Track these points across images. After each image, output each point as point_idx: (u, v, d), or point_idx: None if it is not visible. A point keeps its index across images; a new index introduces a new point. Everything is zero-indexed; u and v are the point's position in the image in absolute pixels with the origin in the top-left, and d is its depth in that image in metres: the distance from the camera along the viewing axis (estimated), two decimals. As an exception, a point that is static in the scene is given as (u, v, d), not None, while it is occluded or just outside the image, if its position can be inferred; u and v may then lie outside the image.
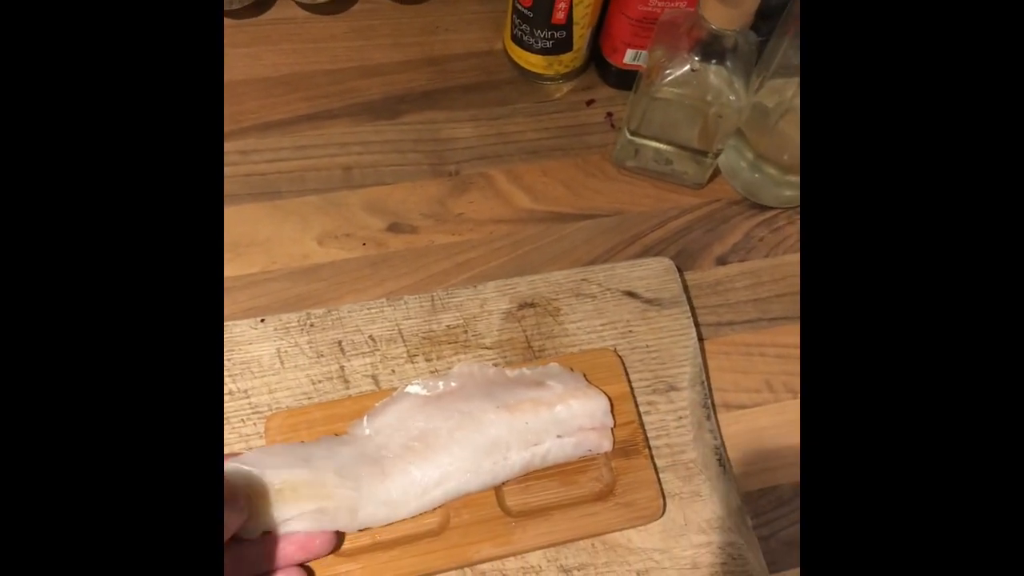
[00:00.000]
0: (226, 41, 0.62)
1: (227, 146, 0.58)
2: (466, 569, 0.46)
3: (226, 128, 0.59)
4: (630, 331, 0.53)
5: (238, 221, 0.56)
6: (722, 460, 0.50)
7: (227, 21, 0.63)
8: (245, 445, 0.48)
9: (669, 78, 0.53)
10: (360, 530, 0.45)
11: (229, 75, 0.61)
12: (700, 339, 0.55)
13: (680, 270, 0.56)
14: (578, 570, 0.47)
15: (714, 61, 0.52)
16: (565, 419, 0.48)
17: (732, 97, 0.53)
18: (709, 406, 0.52)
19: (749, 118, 0.58)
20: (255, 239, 0.56)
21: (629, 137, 0.59)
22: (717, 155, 0.58)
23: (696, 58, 0.52)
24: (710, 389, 0.53)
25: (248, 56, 0.62)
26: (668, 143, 0.58)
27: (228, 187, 0.57)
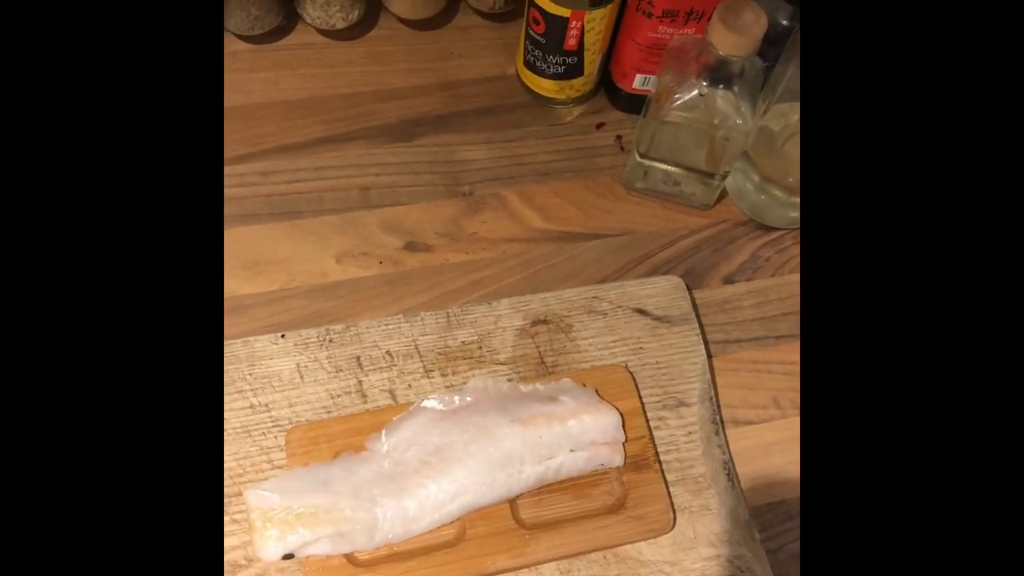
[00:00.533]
0: (246, 66, 0.64)
1: (248, 167, 0.60)
2: (481, 579, 0.47)
3: (247, 150, 0.61)
4: (640, 348, 0.55)
5: (258, 240, 0.58)
6: (730, 475, 0.51)
7: (247, 46, 0.65)
8: (266, 458, 0.49)
9: (678, 102, 0.55)
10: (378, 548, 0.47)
11: (249, 99, 0.63)
12: (708, 356, 0.56)
13: (689, 288, 0.58)
14: (590, 581, 0.48)
15: (721, 86, 0.54)
16: (578, 433, 0.49)
17: (739, 121, 0.55)
18: (718, 422, 0.53)
19: (755, 141, 0.60)
20: (275, 257, 0.57)
21: (638, 160, 0.60)
22: (724, 177, 0.60)
23: (704, 83, 0.54)
24: (718, 405, 0.54)
25: (268, 80, 0.64)
26: (676, 165, 0.60)
27: (249, 207, 0.59)
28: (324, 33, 0.67)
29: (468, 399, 0.50)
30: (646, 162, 0.60)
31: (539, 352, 0.54)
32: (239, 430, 0.49)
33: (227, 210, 0.58)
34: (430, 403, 0.50)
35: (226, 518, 0.47)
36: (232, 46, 0.65)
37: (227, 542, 0.47)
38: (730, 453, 0.53)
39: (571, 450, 0.49)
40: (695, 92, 0.54)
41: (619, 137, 0.65)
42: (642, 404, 0.52)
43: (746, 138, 0.56)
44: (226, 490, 0.48)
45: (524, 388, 0.51)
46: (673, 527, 0.49)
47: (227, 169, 0.60)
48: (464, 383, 0.52)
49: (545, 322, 0.55)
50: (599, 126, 0.66)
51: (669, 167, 0.60)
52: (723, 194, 0.63)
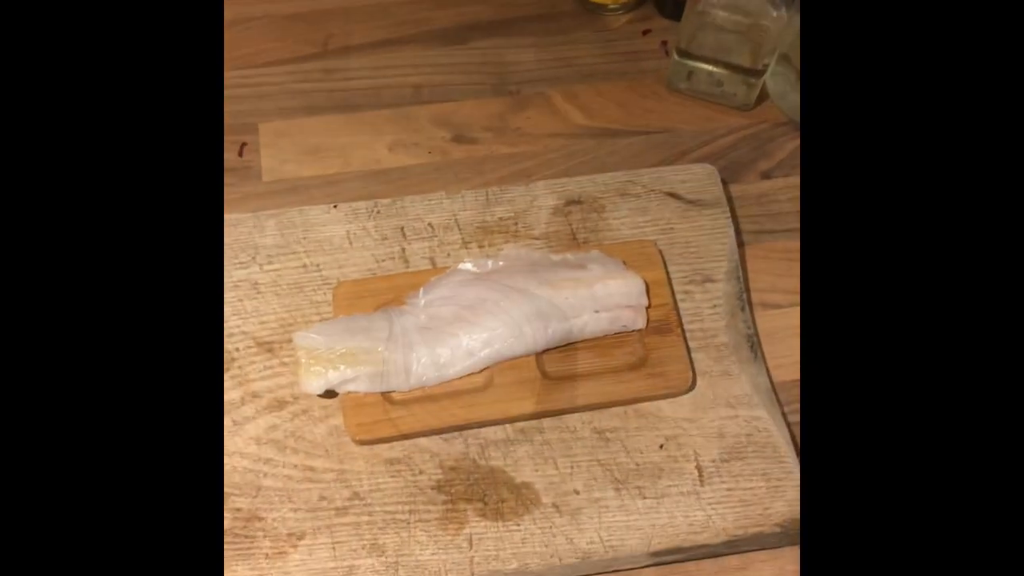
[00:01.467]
0: (315, -25, 0.70)
1: (313, 65, 0.65)
2: (506, 425, 0.50)
3: (312, 50, 0.66)
4: (671, 228, 0.57)
5: (319, 129, 0.62)
6: (754, 347, 0.53)
7: (317, -39, 0.71)
8: (315, 311, 0.54)
9: (715, -6, 0.57)
10: (412, 389, 0.50)
11: (317, 5, 0.68)
12: (740, 241, 0.58)
13: (724, 181, 0.60)
14: (610, 432, 0.50)
15: (757, -24, 0.55)
16: (602, 297, 0.52)
17: (774, 13, 0.56)
18: (743, 299, 0.55)
19: (793, 42, 0.61)
20: (333, 145, 0.62)
21: (677, 59, 0.62)
22: (763, 72, 0.61)
23: (740, -28, 0.55)
24: (747, 285, 0.56)
25: (334, -11, 0.69)
26: (718, 64, 0.62)
27: (312, 100, 0.64)
28: (387, -52, 0.71)
29: (501, 264, 0.53)
30: (689, 62, 0.62)
31: (572, 229, 0.57)
32: (292, 286, 0.54)
33: (292, 102, 0.63)
34: (466, 266, 0.53)
35: (275, 361, 0.52)
36: (303, -41, 0.70)
37: (276, 382, 0.52)
38: (756, 328, 0.54)
39: (595, 311, 0.51)
40: (732, -17, 0.56)
41: (664, 42, 0.67)
42: (668, 277, 0.54)
43: (781, 31, 0.58)
44: (277, 338, 0.53)
45: (555, 257, 0.54)
46: (692, 386, 0.51)
47: (293, 67, 0.65)
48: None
49: (579, 202, 0.58)
50: (645, 32, 0.68)
51: (712, 67, 0.62)
52: (764, 96, 0.65)
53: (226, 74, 0.64)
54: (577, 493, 0.49)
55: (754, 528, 0.48)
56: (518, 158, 0.62)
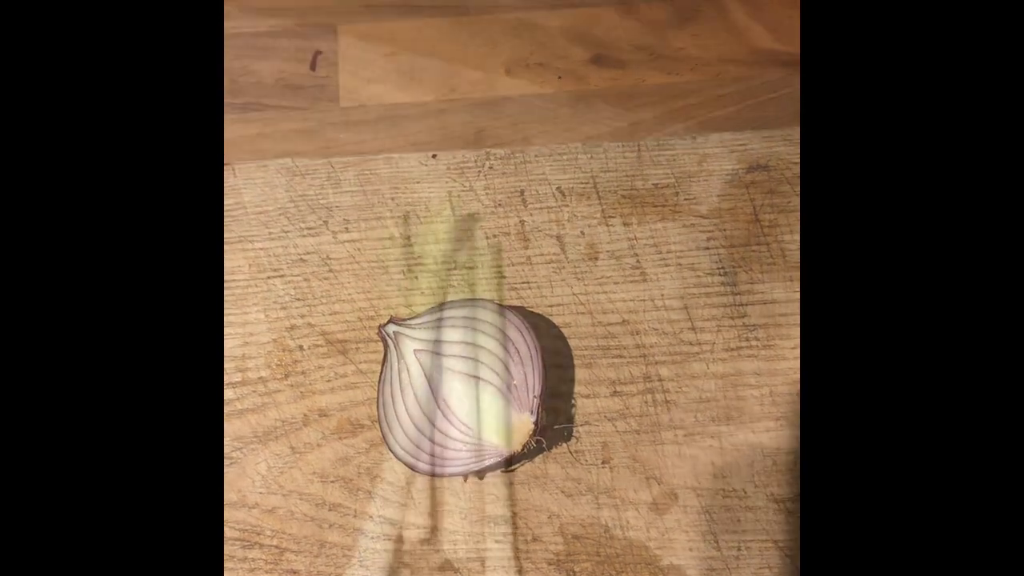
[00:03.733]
0: None
1: (410, -53, 0.49)
2: (653, 484, 0.38)
3: (410, -74, 0.50)
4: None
5: (416, 38, 0.47)
6: None
7: None
8: (403, 300, 0.40)
9: None
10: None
11: None
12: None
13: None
14: (793, 502, 0.37)
15: None
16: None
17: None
18: None
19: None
20: (434, 61, 0.47)
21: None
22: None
23: None
24: None
25: None
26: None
27: (408, -3, 0.48)
28: None
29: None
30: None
31: (754, 207, 0.42)
32: (374, 264, 0.41)
33: (382, -1, 0.48)
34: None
35: (350, 368, 0.40)
36: None
37: (349, 396, 0.39)
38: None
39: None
40: None
41: (889, -67, 0.49)
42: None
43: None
44: (352, 335, 0.40)
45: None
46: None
47: (385, -52, 0.49)
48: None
49: (766, 168, 0.42)
50: (863, -83, 0.49)
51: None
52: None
53: (298, -46, 0.49)
54: (743, 587, 0.36)
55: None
56: (679, 91, 0.46)
